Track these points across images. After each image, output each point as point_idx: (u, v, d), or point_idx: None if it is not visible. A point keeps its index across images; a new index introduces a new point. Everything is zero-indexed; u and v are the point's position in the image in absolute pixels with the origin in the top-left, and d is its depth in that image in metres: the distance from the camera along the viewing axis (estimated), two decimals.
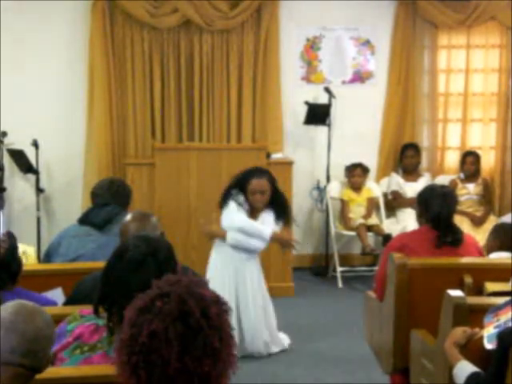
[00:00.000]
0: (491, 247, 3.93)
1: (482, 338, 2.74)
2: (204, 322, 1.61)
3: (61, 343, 2.36)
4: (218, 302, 1.67)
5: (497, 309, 2.79)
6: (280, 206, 4.83)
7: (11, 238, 3.11)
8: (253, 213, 4.81)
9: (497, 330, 2.69)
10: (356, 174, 6.88)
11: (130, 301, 2.31)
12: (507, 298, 2.84)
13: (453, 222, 4.01)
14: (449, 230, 3.93)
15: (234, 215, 4.75)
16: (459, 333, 2.80)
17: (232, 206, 4.77)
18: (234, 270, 4.81)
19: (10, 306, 2.02)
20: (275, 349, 4.97)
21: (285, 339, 5.12)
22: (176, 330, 1.58)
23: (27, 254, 3.89)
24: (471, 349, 2.77)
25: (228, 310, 1.69)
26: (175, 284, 1.67)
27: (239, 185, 4.78)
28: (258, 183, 4.72)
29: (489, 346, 2.69)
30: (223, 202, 4.80)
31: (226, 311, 1.68)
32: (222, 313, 1.66)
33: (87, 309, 2.46)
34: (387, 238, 6.24)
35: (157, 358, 1.58)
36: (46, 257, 4.13)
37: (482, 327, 2.78)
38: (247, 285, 4.84)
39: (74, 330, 2.39)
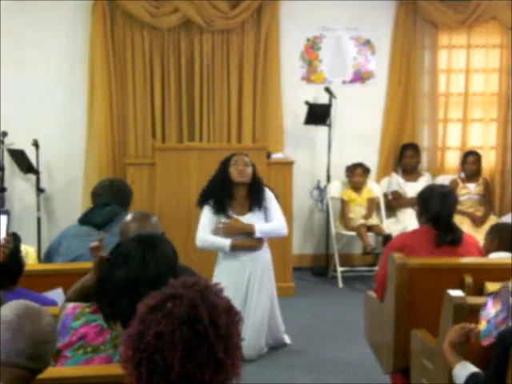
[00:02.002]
0: (489, 248, 3.93)
1: (479, 334, 2.74)
2: (211, 331, 1.59)
3: (65, 341, 2.37)
4: (230, 312, 1.65)
5: (488, 301, 2.80)
6: (258, 192, 4.82)
7: (15, 239, 3.11)
8: (237, 208, 4.80)
9: (489, 325, 2.69)
10: (357, 173, 6.88)
11: (115, 296, 2.33)
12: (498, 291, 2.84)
13: (453, 222, 4.01)
14: (449, 229, 3.94)
15: (200, 227, 4.83)
16: (456, 331, 2.79)
17: (205, 212, 4.82)
18: (240, 271, 4.82)
19: (16, 307, 2.00)
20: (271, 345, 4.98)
21: (285, 339, 5.12)
22: (182, 335, 1.57)
23: (28, 254, 3.90)
24: (471, 347, 2.78)
25: (239, 320, 1.67)
26: (190, 287, 1.65)
27: (221, 170, 4.79)
28: (239, 157, 4.78)
29: (484, 342, 2.69)
30: (201, 201, 4.84)
31: (236, 321, 1.66)
32: (231, 323, 1.64)
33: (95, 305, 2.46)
34: (387, 238, 6.24)
35: (160, 359, 1.57)
36: (47, 257, 4.13)
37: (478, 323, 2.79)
38: (254, 286, 4.84)
39: (77, 328, 2.39)
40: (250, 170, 4.76)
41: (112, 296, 2.35)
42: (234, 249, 4.78)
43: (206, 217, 4.83)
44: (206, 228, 4.81)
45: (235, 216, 4.79)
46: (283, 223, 4.87)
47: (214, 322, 1.60)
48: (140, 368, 1.59)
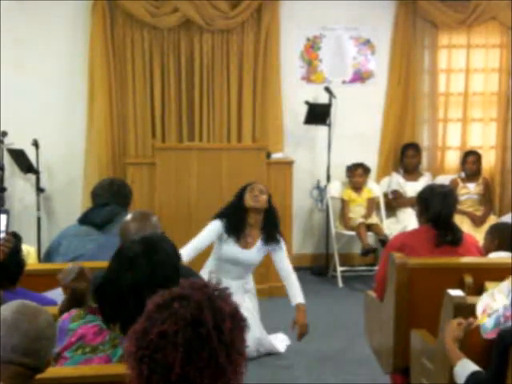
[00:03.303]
0: (489, 247, 3.93)
1: (478, 329, 2.74)
2: (214, 335, 1.58)
3: (63, 343, 2.36)
4: (235, 318, 1.64)
5: (488, 296, 2.80)
6: (271, 223, 4.81)
7: (15, 240, 3.11)
8: (248, 237, 4.79)
9: (492, 319, 2.69)
10: (357, 174, 6.88)
11: (120, 299, 2.33)
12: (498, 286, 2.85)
13: (453, 222, 4.01)
14: (449, 229, 3.93)
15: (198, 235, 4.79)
16: (455, 327, 2.79)
17: (210, 227, 4.77)
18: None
19: (12, 305, 2.02)
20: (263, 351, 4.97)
21: (285, 340, 5.12)
22: (185, 336, 1.56)
23: (29, 253, 3.90)
24: (471, 345, 2.78)
25: (245, 326, 1.66)
26: (198, 289, 1.64)
27: (238, 196, 4.80)
28: (256, 185, 4.80)
29: (487, 335, 2.69)
30: (216, 216, 4.83)
31: (242, 327, 1.65)
32: (235, 329, 1.63)
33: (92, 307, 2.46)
34: (384, 241, 6.20)
35: (161, 358, 1.56)
36: (47, 256, 4.13)
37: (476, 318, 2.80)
38: (232, 286, 4.83)
39: (76, 329, 2.38)
40: (265, 197, 4.75)
41: (116, 300, 2.34)
42: None
43: (204, 234, 4.76)
44: (196, 242, 4.73)
45: (238, 247, 4.75)
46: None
47: (218, 326, 1.59)
48: (141, 365, 1.58)
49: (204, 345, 1.57)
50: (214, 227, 4.77)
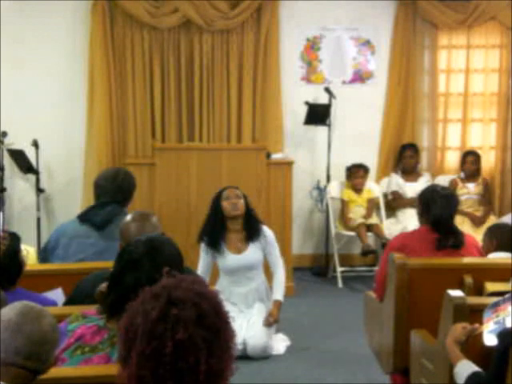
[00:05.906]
0: (488, 248, 3.92)
1: (481, 334, 2.74)
2: (218, 321, 1.60)
3: (62, 344, 2.36)
4: (218, 298, 1.65)
5: (496, 304, 2.80)
6: (253, 222, 4.93)
7: (15, 240, 3.10)
8: (234, 242, 4.92)
9: (497, 326, 2.69)
10: (358, 175, 6.87)
11: (122, 299, 2.33)
12: (507, 295, 2.85)
13: (454, 225, 4.00)
14: (450, 232, 3.93)
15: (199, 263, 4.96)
16: (459, 330, 2.80)
17: (201, 253, 4.94)
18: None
19: (16, 307, 2.00)
20: (272, 351, 4.98)
21: (284, 340, 5.12)
22: (199, 335, 1.56)
23: (29, 254, 3.88)
24: (471, 346, 2.78)
25: (221, 301, 1.67)
26: (177, 287, 1.62)
27: (214, 205, 4.90)
28: (231, 191, 4.89)
29: (489, 342, 2.69)
30: (199, 238, 4.97)
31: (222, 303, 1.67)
32: (224, 307, 1.65)
33: (89, 309, 2.46)
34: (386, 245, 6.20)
35: (184, 364, 1.54)
36: (44, 253, 4.04)
37: (481, 324, 2.79)
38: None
39: (74, 330, 2.39)
40: (242, 202, 4.86)
41: (117, 299, 2.35)
42: None
43: (202, 259, 4.95)
44: (201, 270, 4.89)
45: (232, 255, 4.89)
46: (283, 269, 5.08)
47: (217, 312, 1.61)
48: (166, 381, 1.55)
49: (219, 334, 1.59)
50: (204, 250, 4.94)
